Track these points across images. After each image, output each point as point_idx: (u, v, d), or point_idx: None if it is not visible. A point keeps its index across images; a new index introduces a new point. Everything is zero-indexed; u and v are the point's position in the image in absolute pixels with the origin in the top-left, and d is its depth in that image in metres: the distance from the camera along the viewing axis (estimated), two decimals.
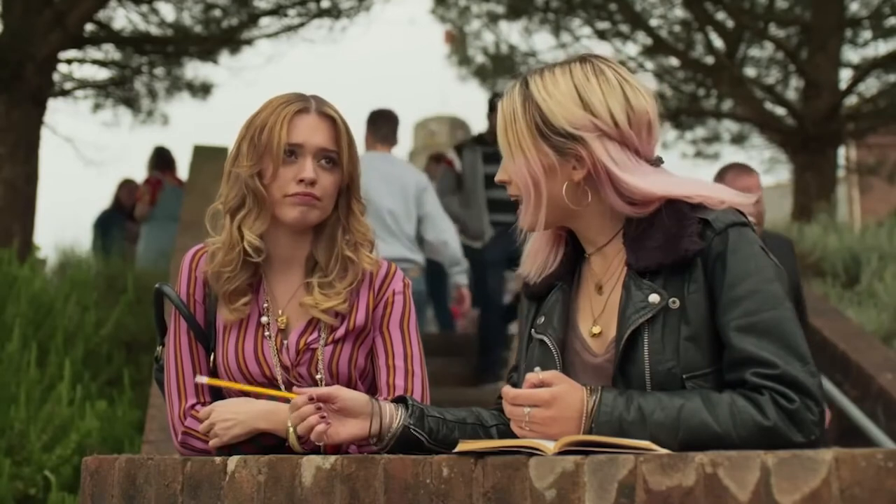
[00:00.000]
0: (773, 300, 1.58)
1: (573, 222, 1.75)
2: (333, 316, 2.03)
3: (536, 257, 1.82)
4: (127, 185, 9.13)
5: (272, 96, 2.08)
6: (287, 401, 1.83)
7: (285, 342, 2.03)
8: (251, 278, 2.05)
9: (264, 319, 2.05)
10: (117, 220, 8.86)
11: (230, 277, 2.02)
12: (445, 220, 5.48)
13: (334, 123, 2.04)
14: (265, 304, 2.06)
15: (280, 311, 2.06)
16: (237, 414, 1.91)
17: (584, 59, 1.74)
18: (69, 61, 9.73)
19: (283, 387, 2.00)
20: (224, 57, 10.54)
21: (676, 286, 1.62)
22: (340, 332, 2.04)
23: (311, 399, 1.74)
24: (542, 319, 1.78)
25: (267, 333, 2.04)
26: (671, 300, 1.61)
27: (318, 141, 2.02)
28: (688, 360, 1.59)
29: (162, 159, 8.55)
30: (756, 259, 1.61)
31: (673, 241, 1.63)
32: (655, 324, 1.61)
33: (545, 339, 1.74)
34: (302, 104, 2.03)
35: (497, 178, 1.78)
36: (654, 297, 1.62)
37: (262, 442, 1.90)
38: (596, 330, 1.71)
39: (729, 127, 12.78)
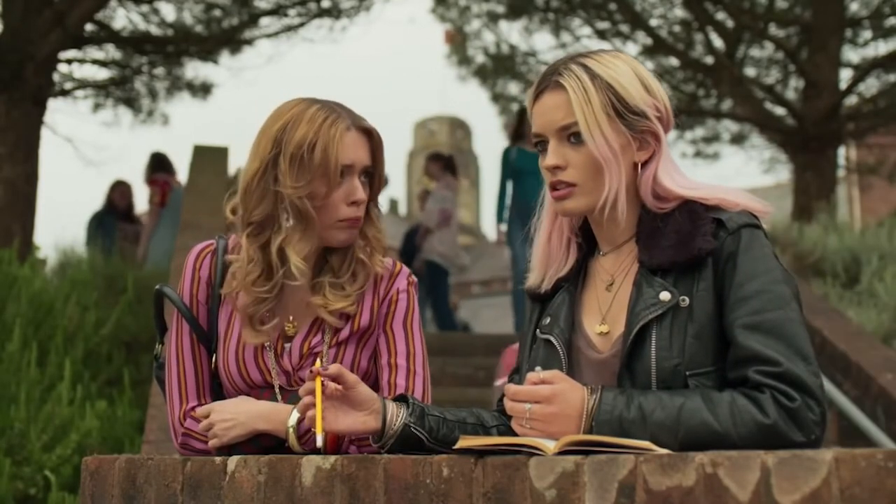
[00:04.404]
0: (779, 301, 1.59)
1: (610, 213, 1.72)
2: (339, 317, 2.00)
3: (547, 268, 1.82)
4: (120, 187, 9.12)
5: (292, 106, 1.97)
6: None
7: (287, 346, 2.01)
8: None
9: None
10: (110, 221, 8.85)
11: (265, 300, 1.97)
12: None
13: (371, 137, 2.00)
14: None
15: (290, 318, 2.02)
16: (237, 414, 1.90)
17: (619, 51, 1.78)
18: (69, 61, 9.74)
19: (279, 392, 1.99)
20: (224, 57, 10.56)
21: (686, 284, 1.63)
22: (344, 333, 2.01)
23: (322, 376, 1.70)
24: (548, 320, 1.78)
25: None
26: (681, 298, 1.62)
27: (362, 159, 1.97)
28: (692, 357, 1.60)
29: (162, 164, 8.55)
30: (766, 261, 1.62)
31: (686, 240, 1.64)
32: (664, 321, 1.62)
33: (551, 338, 1.75)
34: (344, 121, 1.95)
35: (549, 164, 1.72)
36: (665, 295, 1.63)
37: (262, 442, 1.90)
38: (604, 329, 1.72)
39: (729, 127, 12.79)
